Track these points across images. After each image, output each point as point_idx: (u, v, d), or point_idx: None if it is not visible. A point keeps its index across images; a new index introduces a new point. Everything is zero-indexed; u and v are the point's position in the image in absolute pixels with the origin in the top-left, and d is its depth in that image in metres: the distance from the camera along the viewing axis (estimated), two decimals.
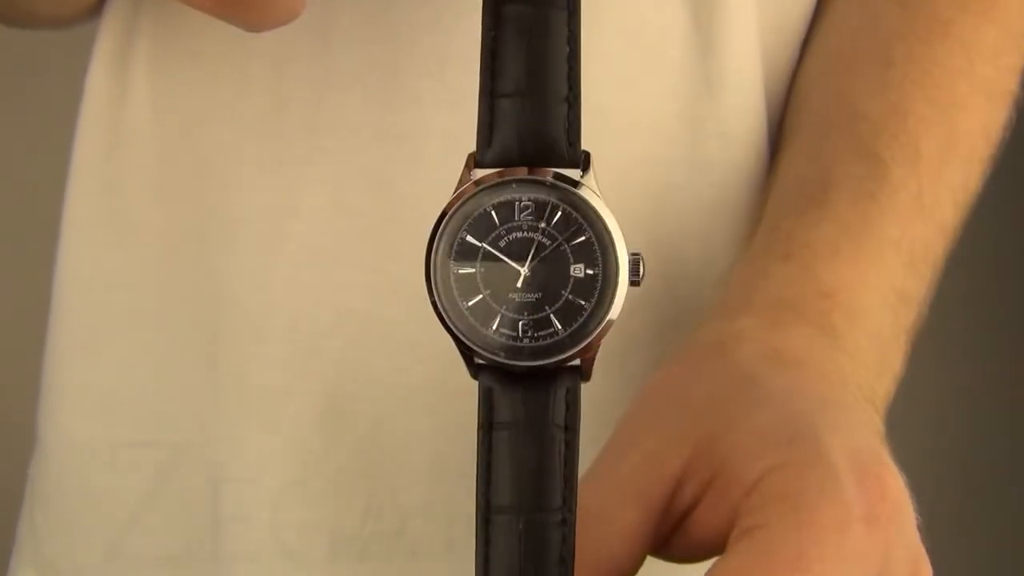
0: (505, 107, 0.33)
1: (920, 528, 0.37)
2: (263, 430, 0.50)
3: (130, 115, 0.52)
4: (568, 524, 0.33)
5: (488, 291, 0.33)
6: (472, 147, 0.34)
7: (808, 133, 0.50)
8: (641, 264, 0.33)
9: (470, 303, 0.34)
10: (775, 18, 0.52)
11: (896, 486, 0.36)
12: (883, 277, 0.45)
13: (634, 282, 0.33)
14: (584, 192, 0.33)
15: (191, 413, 0.52)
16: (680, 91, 0.50)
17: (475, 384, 0.35)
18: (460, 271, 0.34)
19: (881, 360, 0.44)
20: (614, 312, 0.33)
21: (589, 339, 0.33)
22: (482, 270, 0.33)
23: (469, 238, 0.33)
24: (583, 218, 0.33)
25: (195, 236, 0.51)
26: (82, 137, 0.54)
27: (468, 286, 0.34)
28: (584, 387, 0.34)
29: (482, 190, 0.33)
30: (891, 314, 0.45)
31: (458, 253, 0.34)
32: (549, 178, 0.33)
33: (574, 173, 0.33)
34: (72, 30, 0.56)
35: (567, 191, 0.33)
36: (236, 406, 0.51)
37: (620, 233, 0.33)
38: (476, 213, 0.33)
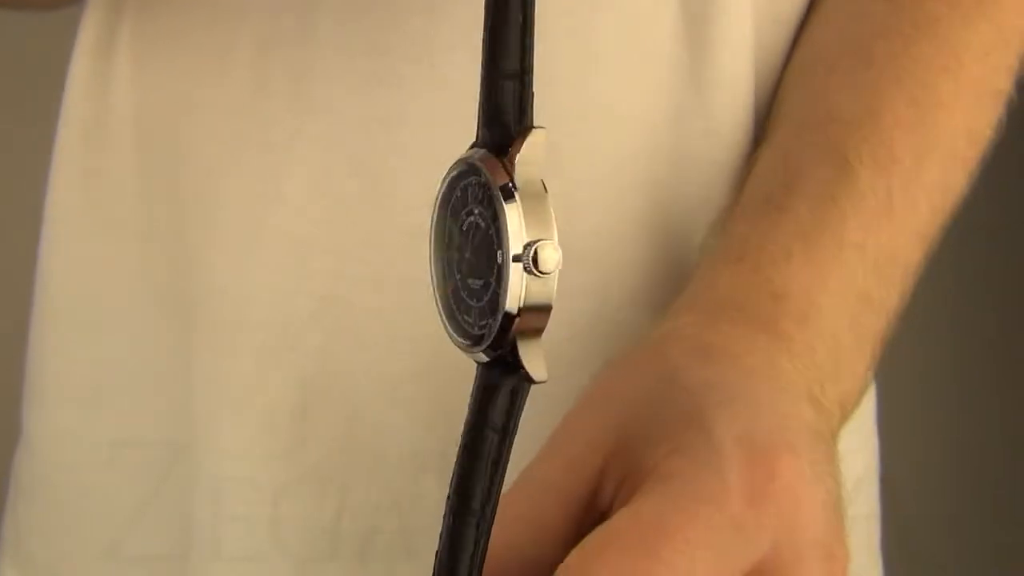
0: (483, 86, 0.32)
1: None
2: (239, 424, 0.50)
3: (112, 103, 0.52)
4: (480, 530, 0.32)
5: (458, 276, 0.32)
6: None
7: (782, 134, 0.49)
8: (539, 254, 0.30)
9: (449, 289, 0.33)
10: (770, 11, 0.52)
11: (790, 469, 0.35)
12: (842, 280, 0.44)
13: (531, 271, 0.30)
14: (488, 171, 0.31)
15: (176, 405, 0.51)
16: (668, 85, 0.49)
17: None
18: (445, 254, 0.33)
19: (837, 363, 0.43)
20: (511, 303, 0.30)
21: (495, 332, 0.31)
22: (455, 255, 0.33)
23: (448, 222, 0.33)
24: (492, 200, 0.31)
25: (176, 223, 0.51)
26: (65, 125, 0.54)
27: (449, 271, 0.33)
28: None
29: (454, 173, 0.32)
30: (850, 317, 0.44)
31: (449, 238, 0.33)
32: (470, 158, 0.32)
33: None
34: (57, 17, 0.55)
35: (480, 171, 0.31)
36: (216, 398, 0.50)
37: (512, 217, 0.30)
38: (452, 197, 0.32)
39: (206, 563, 0.51)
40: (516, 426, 0.32)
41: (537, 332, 0.31)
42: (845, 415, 0.43)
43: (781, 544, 0.34)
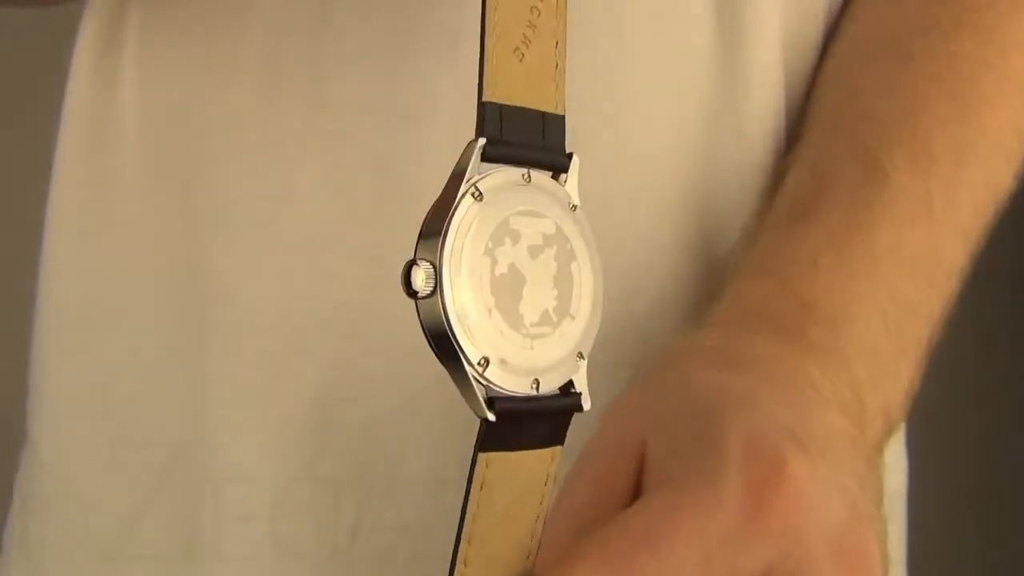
0: None
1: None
2: (249, 432, 0.49)
3: (117, 100, 0.51)
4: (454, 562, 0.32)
5: None
6: None
7: (813, 137, 0.48)
8: (410, 272, 0.30)
9: None
10: (799, 7, 0.51)
11: (801, 473, 0.33)
12: (875, 285, 0.43)
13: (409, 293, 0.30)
14: None
15: (184, 411, 0.50)
16: (701, 82, 0.48)
17: None
18: None
19: (875, 371, 0.41)
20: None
21: None
22: None
23: None
24: None
25: (184, 224, 0.50)
26: (67, 124, 0.53)
27: None
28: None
29: None
30: (886, 323, 0.43)
31: None
32: None
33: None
34: (58, 11, 0.54)
35: None
36: (224, 405, 0.49)
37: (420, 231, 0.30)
38: None
39: (219, 565, 0.49)
40: (472, 457, 0.31)
41: (453, 358, 0.30)
42: (890, 425, 0.42)
43: (790, 551, 0.33)
